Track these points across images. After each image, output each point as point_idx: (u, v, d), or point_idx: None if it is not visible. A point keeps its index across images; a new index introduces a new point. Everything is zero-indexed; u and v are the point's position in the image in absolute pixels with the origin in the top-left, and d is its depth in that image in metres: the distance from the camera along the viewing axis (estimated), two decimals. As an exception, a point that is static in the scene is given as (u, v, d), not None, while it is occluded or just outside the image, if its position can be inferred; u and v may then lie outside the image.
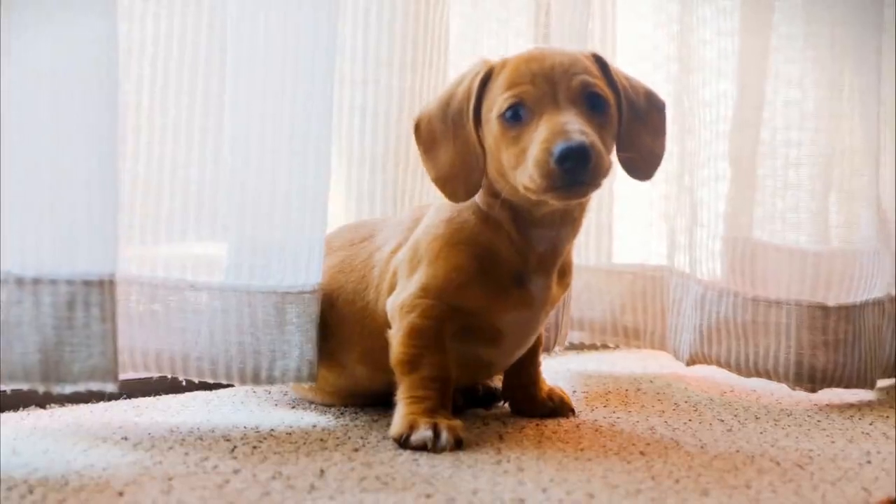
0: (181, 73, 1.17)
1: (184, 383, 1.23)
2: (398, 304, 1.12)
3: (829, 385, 1.41)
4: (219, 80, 1.16)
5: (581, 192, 1.04)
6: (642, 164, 1.13)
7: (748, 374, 1.44)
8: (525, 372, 1.25)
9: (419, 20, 1.40)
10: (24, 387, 0.98)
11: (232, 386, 1.31)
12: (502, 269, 1.11)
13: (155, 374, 1.17)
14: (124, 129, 1.16)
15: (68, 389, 0.99)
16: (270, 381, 1.16)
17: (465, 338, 1.13)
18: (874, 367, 1.44)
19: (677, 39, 1.54)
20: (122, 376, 1.26)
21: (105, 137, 1.01)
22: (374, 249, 1.20)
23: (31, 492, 0.87)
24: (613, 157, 1.10)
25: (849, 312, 1.41)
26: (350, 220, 1.36)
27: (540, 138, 1.01)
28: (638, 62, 1.61)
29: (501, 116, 1.06)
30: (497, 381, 1.31)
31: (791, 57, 1.46)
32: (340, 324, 1.19)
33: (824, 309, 1.40)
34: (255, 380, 1.16)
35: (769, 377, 1.42)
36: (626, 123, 1.11)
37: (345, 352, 1.19)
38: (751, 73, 1.47)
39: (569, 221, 1.13)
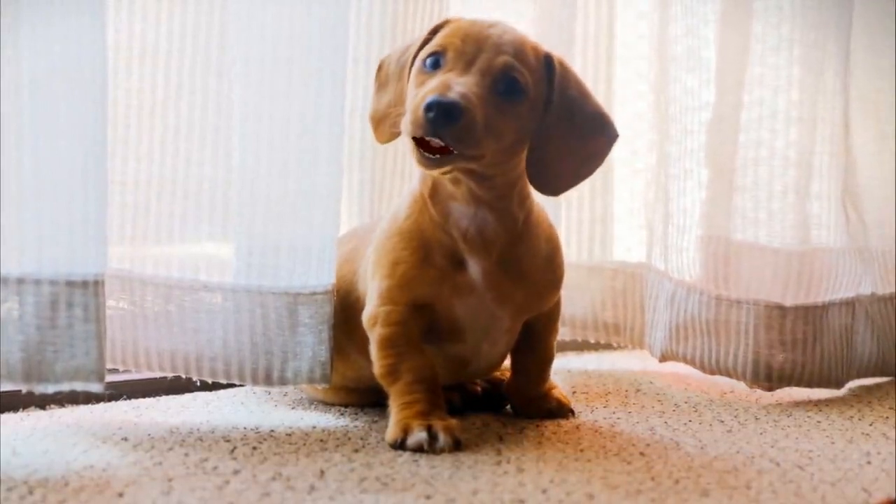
0: (194, 72, 1.17)
1: (189, 381, 1.23)
2: (366, 317, 1.13)
3: (788, 384, 1.41)
4: (230, 79, 1.17)
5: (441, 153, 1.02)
6: (546, 177, 1.10)
7: (712, 372, 1.44)
8: (529, 377, 1.24)
9: (398, 19, 1.39)
10: (8, 386, 0.99)
11: (233, 386, 1.31)
12: (436, 251, 1.11)
13: (170, 374, 1.18)
14: (139, 130, 1.16)
15: (51, 389, 0.99)
16: (283, 382, 1.17)
17: (431, 335, 1.13)
18: (841, 368, 1.44)
19: (658, 40, 1.53)
20: (128, 376, 1.28)
21: (91, 138, 1.00)
22: (368, 243, 1.21)
23: (31, 492, 0.87)
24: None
25: (807, 312, 1.41)
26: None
27: (427, 87, 1.03)
28: (635, 60, 1.61)
29: (423, 60, 1.07)
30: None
31: (771, 60, 1.46)
32: (343, 312, 1.19)
33: (781, 309, 1.40)
34: (268, 381, 1.16)
35: (729, 375, 1.43)
36: (546, 128, 1.09)
37: (347, 340, 1.20)
38: (730, 75, 1.46)
39: (484, 202, 1.10)
